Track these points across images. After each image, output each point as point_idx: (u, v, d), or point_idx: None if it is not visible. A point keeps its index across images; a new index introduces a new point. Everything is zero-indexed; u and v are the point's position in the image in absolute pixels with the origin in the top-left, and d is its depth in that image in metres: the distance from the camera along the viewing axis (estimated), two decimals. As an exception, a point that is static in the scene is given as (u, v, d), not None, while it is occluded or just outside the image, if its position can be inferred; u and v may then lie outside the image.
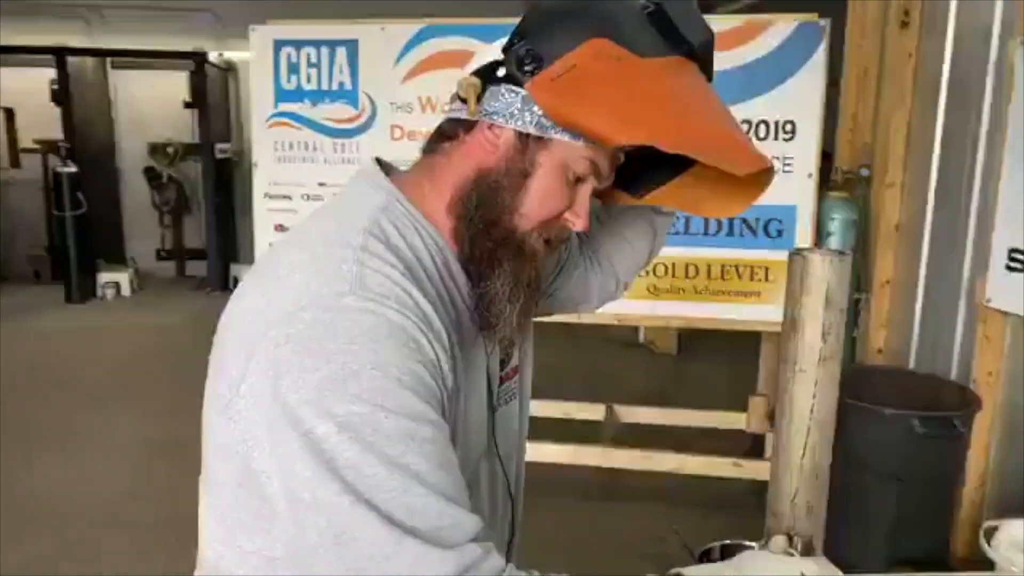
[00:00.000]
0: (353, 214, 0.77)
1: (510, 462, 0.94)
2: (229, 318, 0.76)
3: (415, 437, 0.65)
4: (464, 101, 0.79)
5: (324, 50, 3.15)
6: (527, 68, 0.75)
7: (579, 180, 0.81)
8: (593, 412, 3.55)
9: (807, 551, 0.79)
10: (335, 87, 3.16)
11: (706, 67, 0.81)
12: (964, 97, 2.70)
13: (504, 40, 0.79)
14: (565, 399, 3.60)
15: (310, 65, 3.17)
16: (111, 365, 5.04)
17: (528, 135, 0.78)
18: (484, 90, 0.78)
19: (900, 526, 2.48)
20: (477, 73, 0.80)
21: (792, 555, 0.75)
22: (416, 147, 0.87)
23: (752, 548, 0.81)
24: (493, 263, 0.79)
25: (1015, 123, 2.32)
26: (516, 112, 0.77)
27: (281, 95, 3.22)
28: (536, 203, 0.79)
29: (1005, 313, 2.41)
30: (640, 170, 0.88)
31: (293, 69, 3.19)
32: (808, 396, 0.76)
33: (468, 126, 0.80)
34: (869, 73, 3.18)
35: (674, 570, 0.73)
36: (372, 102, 3.13)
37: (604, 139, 0.75)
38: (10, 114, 7.61)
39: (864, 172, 3.15)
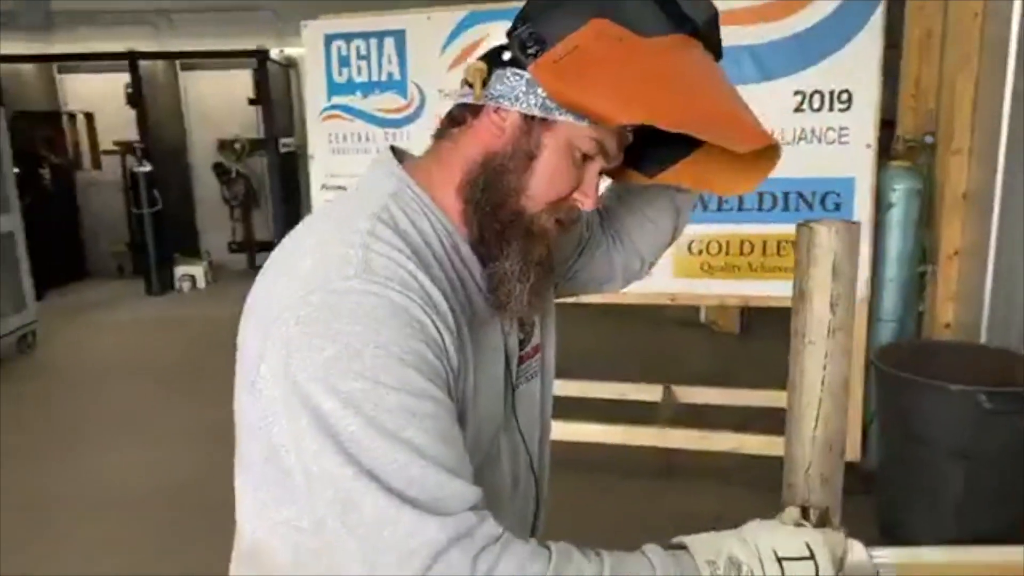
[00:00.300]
0: (365, 200, 0.80)
1: (532, 439, 0.95)
2: (252, 301, 0.80)
3: (416, 412, 0.68)
4: (471, 86, 0.81)
5: (373, 42, 3.21)
6: (530, 51, 0.76)
7: (587, 159, 0.82)
8: (651, 393, 3.53)
9: (822, 522, 0.78)
10: (384, 78, 3.21)
11: (712, 45, 0.81)
12: (1035, 55, 2.56)
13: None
14: (624, 380, 3.59)
15: (360, 57, 3.23)
16: (177, 356, 5.28)
17: (533, 117, 0.79)
18: (490, 74, 0.80)
19: (969, 504, 2.41)
20: (483, 58, 0.81)
21: (804, 525, 0.75)
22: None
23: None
24: (502, 244, 0.81)
25: (1088, 80, 2.19)
26: (521, 95, 0.78)
27: (333, 88, 3.30)
28: (543, 184, 0.80)
29: (1080, 282, 2.29)
30: (651, 149, 0.88)
31: (344, 62, 3.26)
32: (819, 368, 0.75)
33: (475, 110, 0.82)
34: (932, 35, 3.04)
35: (676, 538, 0.74)
36: (421, 91, 3.18)
37: (605, 119, 0.76)
38: (90, 118, 8.02)
39: (928, 140, 3.02)
